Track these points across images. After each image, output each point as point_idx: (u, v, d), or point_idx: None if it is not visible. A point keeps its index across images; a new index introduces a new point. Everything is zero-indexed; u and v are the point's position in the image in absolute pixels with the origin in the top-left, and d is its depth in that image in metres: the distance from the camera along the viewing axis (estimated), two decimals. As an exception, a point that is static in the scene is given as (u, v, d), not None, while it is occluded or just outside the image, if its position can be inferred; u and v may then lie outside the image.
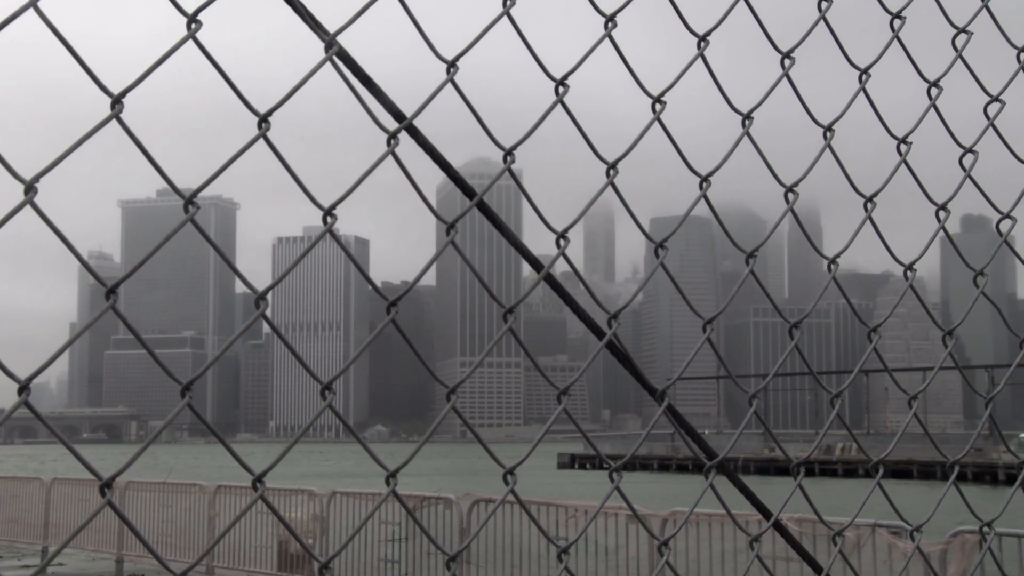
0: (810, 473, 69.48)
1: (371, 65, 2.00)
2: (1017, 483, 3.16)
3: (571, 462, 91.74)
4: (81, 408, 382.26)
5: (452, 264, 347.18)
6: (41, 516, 19.52)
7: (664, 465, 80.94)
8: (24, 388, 1.48)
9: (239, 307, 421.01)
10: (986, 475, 61.84)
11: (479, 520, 13.67)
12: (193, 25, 1.71)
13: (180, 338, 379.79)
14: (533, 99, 2.33)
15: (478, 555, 13.72)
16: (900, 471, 62.84)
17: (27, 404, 1.49)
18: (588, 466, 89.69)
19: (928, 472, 63.12)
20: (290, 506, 15.95)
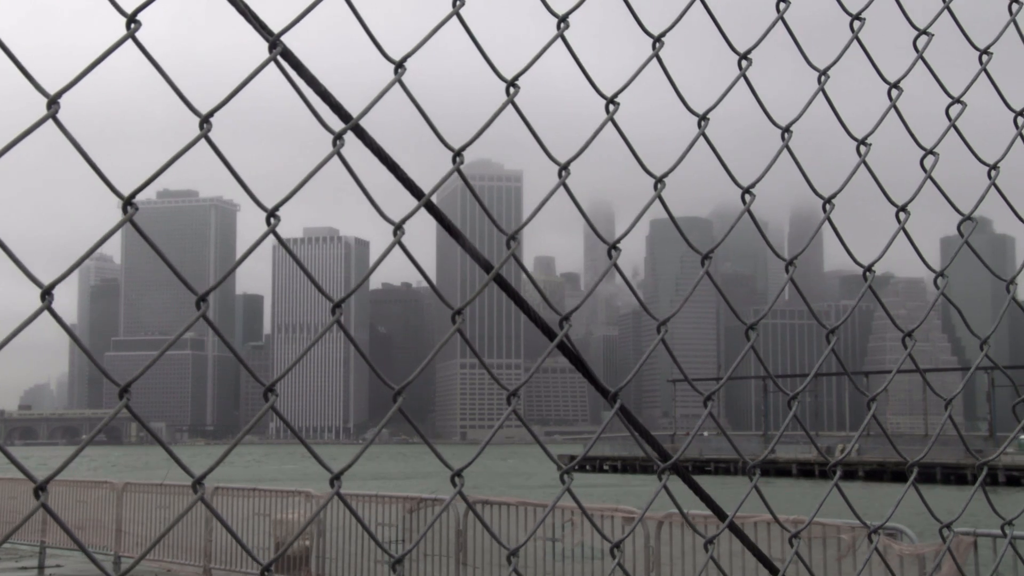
0: (809, 475, 69.41)
1: (340, 72, 2.00)
2: (977, 485, 3.16)
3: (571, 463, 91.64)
4: (81, 409, 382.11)
5: (452, 265, 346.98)
6: (38, 517, 19.51)
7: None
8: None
9: (239, 308, 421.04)
10: (986, 477, 61.80)
11: (474, 522, 13.68)
12: (132, 25, 1.71)
13: (180, 339, 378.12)
14: (527, 104, 2.33)
15: (474, 557, 13.71)
16: (898, 473, 62.78)
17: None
18: (588, 468, 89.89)
19: (927, 475, 63.07)
20: (287, 508, 15.95)
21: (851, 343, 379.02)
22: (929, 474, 62.92)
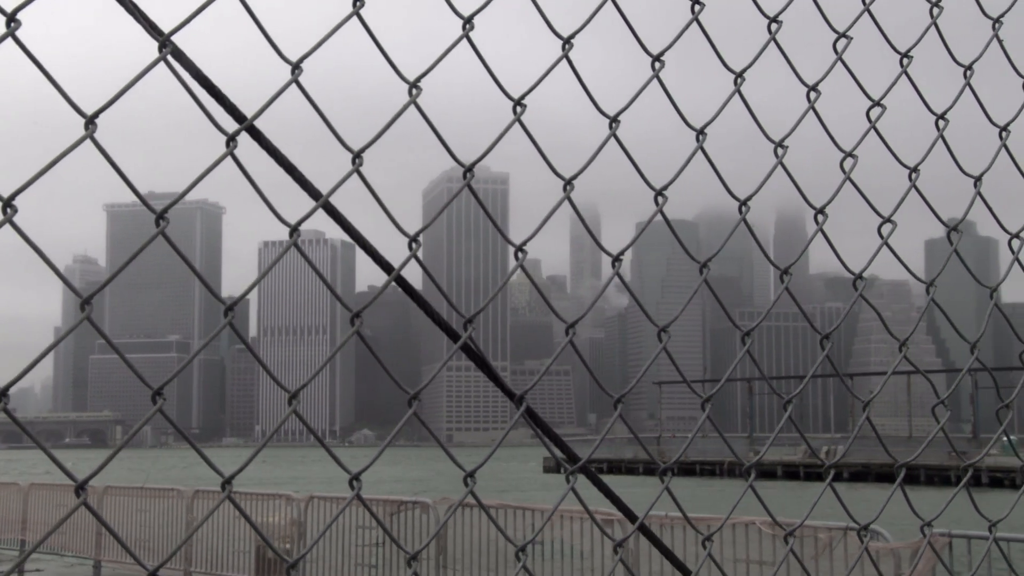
0: (795, 476, 69.69)
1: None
2: (894, 487, 3.20)
3: (557, 466, 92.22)
4: (66, 412, 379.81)
5: (439, 268, 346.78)
6: (19, 520, 19.40)
7: (650, 469, 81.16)
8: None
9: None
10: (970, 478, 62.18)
11: (456, 523, 13.67)
12: (12, 24, 1.70)
13: (166, 342, 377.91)
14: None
15: (454, 558, 13.70)
16: (884, 475, 63.10)
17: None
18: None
19: (912, 476, 63.37)
20: (267, 511, 15.89)
21: (838, 345, 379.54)
22: (914, 476, 63.23)
